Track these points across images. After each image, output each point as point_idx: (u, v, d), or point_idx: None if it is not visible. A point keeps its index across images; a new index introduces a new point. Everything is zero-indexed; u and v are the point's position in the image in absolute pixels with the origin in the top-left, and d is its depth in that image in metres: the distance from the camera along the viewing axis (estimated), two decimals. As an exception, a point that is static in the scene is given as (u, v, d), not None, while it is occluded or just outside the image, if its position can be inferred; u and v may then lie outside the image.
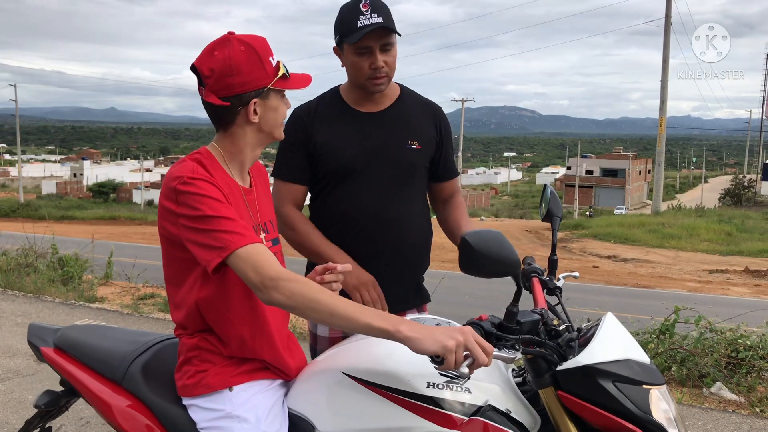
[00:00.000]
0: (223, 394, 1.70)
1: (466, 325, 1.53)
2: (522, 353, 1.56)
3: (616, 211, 47.27)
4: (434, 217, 2.48)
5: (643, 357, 1.58)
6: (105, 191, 71.70)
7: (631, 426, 1.49)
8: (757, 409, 4.16)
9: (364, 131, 2.26)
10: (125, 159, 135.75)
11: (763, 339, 4.71)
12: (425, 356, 1.59)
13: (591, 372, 1.52)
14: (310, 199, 2.42)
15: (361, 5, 2.11)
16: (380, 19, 2.09)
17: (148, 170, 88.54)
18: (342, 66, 2.26)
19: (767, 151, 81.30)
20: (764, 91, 55.58)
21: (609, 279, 16.06)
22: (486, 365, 1.41)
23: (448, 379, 1.62)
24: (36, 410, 2.03)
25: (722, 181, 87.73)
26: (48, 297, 7.08)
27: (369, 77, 2.18)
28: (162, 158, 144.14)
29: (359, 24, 2.10)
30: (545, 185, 2.09)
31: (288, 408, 1.77)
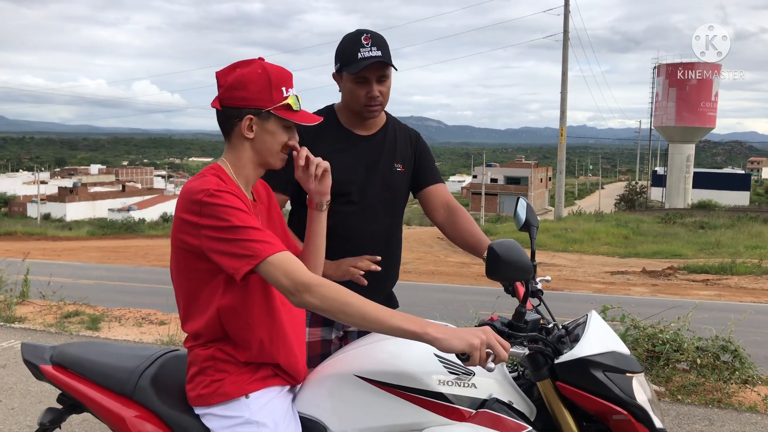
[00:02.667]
0: (240, 402, 1.79)
1: (481, 325, 1.70)
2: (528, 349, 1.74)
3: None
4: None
5: (624, 349, 1.81)
6: (-5, 205, 67.53)
7: (619, 409, 1.71)
8: (678, 397, 4.58)
9: (358, 152, 2.41)
10: (17, 171, 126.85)
11: (677, 334, 5.16)
12: (434, 356, 1.75)
13: (585, 363, 1.72)
14: (292, 212, 2.51)
15: (362, 38, 2.26)
16: (379, 53, 2.26)
17: (43, 182, 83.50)
18: (339, 91, 2.41)
19: (656, 159, 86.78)
20: (652, 102, 59.23)
21: (520, 283, 16.63)
22: (505, 361, 1.58)
23: (456, 376, 1.78)
24: (39, 427, 2.04)
25: (617, 188, 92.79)
26: (-38, 319, 6.71)
27: (365, 104, 2.34)
28: (58, 169, 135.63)
29: (360, 56, 2.25)
30: (518, 197, 2.29)
31: (298, 412, 1.88)
